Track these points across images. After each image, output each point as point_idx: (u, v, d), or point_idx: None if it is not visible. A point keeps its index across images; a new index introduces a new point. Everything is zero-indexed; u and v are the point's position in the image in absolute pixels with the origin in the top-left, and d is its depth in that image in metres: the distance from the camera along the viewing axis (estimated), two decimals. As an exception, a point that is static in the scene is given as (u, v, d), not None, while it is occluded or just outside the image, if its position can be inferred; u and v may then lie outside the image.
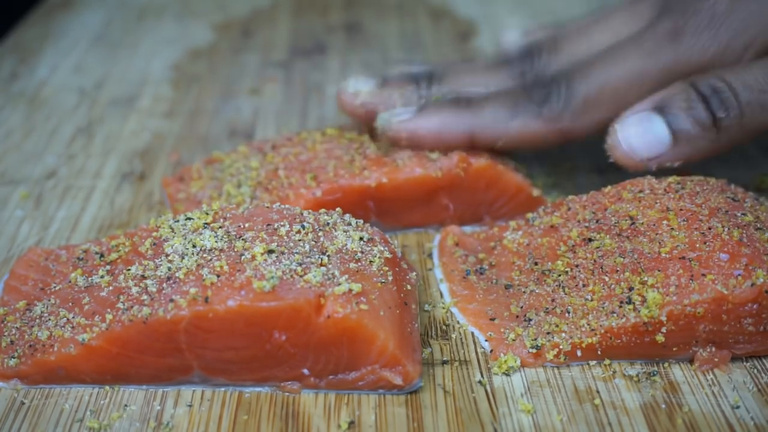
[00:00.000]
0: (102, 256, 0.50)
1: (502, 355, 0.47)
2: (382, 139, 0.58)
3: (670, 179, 0.52)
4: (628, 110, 0.53)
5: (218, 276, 0.44)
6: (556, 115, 0.55)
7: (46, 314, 0.47)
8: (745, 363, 0.47)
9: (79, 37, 0.95)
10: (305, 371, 0.45)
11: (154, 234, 0.49)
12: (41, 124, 0.75)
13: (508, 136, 0.56)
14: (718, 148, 0.52)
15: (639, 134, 0.51)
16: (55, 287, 0.49)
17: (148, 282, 0.45)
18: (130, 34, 0.96)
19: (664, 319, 0.45)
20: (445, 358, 0.48)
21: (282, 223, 0.48)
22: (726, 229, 0.47)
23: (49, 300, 0.48)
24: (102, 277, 0.47)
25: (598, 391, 0.46)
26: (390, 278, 0.47)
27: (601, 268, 0.49)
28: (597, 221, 0.51)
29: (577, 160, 0.67)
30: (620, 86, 0.54)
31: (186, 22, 0.99)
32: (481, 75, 0.62)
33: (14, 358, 0.46)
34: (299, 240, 0.47)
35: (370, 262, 0.47)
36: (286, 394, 0.45)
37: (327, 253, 0.46)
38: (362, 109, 0.59)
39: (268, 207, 0.50)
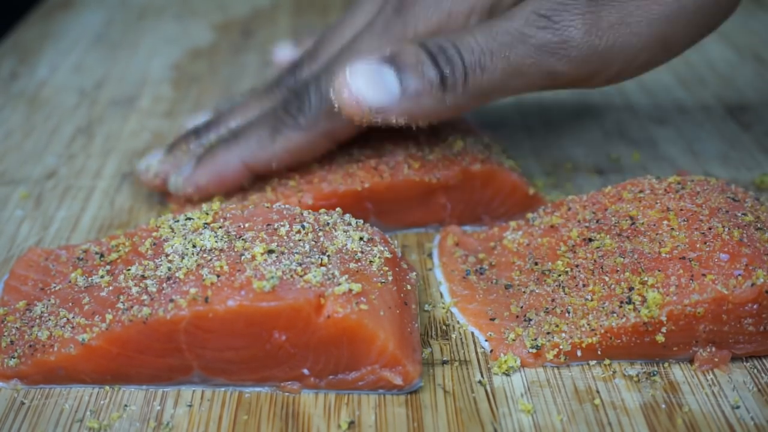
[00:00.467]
0: (102, 256, 0.50)
1: (502, 355, 0.47)
2: (180, 200, 0.59)
3: (671, 179, 0.52)
4: (356, 60, 0.51)
5: (218, 276, 0.44)
6: (313, 121, 0.55)
7: (46, 314, 0.47)
8: (745, 363, 0.47)
9: (79, 37, 0.95)
10: (305, 371, 0.45)
11: (154, 234, 0.49)
12: (41, 124, 0.75)
13: (276, 156, 0.56)
14: (443, 109, 0.51)
15: (368, 83, 0.50)
16: (55, 287, 0.49)
17: (148, 282, 0.45)
18: (130, 34, 0.96)
19: (664, 319, 0.45)
20: (445, 358, 0.48)
21: (282, 223, 0.48)
22: (726, 229, 0.47)
23: (49, 300, 0.48)
24: (102, 277, 0.47)
25: (598, 391, 0.46)
26: (390, 278, 0.47)
27: (602, 268, 0.49)
28: (597, 221, 0.51)
29: (577, 160, 0.68)
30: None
31: (186, 22, 0.99)
32: (256, 103, 0.62)
33: (14, 358, 0.46)
34: (299, 240, 0.47)
35: (370, 262, 0.47)
36: (286, 394, 0.45)
37: (327, 253, 0.46)
38: (157, 180, 0.60)
39: (268, 207, 0.50)
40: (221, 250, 0.46)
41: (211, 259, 0.45)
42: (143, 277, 0.46)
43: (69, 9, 1.03)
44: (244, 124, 0.58)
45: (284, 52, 0.65)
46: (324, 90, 0.54)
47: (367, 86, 0.49)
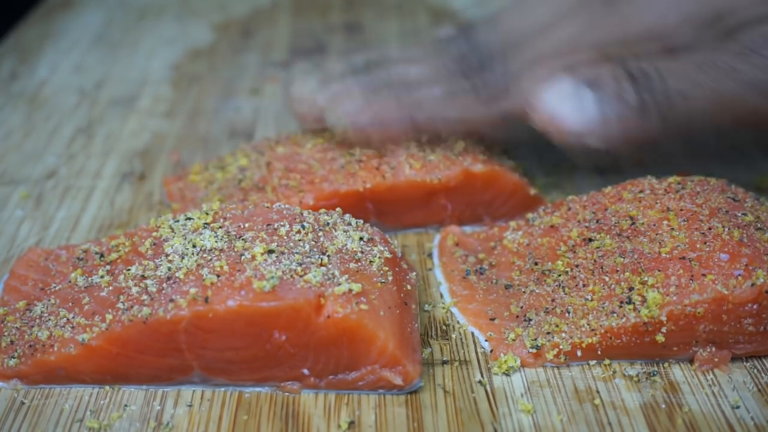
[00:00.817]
0: (102, 256, 0.50)
1: (502, 355, 0.47)
2: (343, 136, 0.56)
3: (671, 179, 0.52)
4: (552, 77, 0.49)
5: (218, 276, 0.44)
6: (494, 95, 0.52)
7: (46, 314, 0.47)
8: (745, 363, 0.47)
9: (79, 37, 0.95)
10: (305, 371, 0.45)
11: (154, 234, 0.49)
12: (41, 124, 0.75)
13: (449, 121, 0.54)
14: (644, 137, 0.49)
15: (566, 104, 0.48)
16: (55, 287, 0.49)
17: (148, 282, 0.45)
18: (130, 34, 0.96)
19: (664, 319, 0.45)
20: (445, 358, 0.48)
21: (282, 223, 0.48)
22: (726, 229, 0.47)
23: (49, 300, 0.48)
24: (102, 277, 0.47)
25: (598, 391, 0.46)
26: (390, 278, 0.47)
27: (602, 268, 0.49)
28: (597, 221, 0.51)
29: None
30: (555, 57, 0.52)
31: (186, 22, 0.99)
32: (427, 58, 0.59)
33: (14, 358, 0.46)
34: (299, 240, 0.47)
35: (370, 262, 0.47)
36: (286, 394, 0.45)
37: (327, 253, 0.46)
38: (314, 110, 0.57)
39: (268, 207, 0.50)
40: (221, 250, 0.46)
41: (211, 259, 0.45)
42: (143, 277, 0.46)
43: (69, 9, 1.03)
44: (418, 77, 0.55)
45: (450, 33, 0.60)
46: (509, 68, 0.52)
47: (564, 108, 0.48)
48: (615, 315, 0.46)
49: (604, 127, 0.48)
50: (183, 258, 0.46)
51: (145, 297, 0.44)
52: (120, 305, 0.45)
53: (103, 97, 0.81)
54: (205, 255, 0.45)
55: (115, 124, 0.75)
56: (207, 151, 0.70)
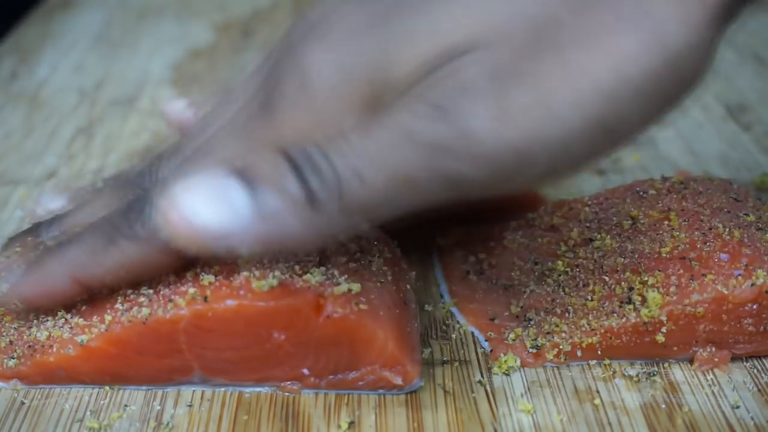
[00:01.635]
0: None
1: (502, 355, 0.47)
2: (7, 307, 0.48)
3: (674, 179, 0.52)
4: (194, 170, 0.40)
5: (216, 276, 0.44)
6: (153, 232, 0.41)
7: (44, 315, 0.47)
8: (745, 363, 0.47)
9: (79, 37, 0.95)
10: (305, 371, 0.45)
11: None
12: (41, 124, 0.75)
13: (108, 270, 0.44)
14: (314, 232, 0.39)
15: (207, 201, 0.37)
16: (54, 287, 0.49)
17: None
18: (130, 34, 0.96)
19: (664, 319, 0.45)
20: (445, 358, 0.48)
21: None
22: (727, 229, 0.47)
23: (49, 300, 0.48)
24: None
25: (598, 391, 0.46)
26: (389, 278, 0.47)
27: (602, 268, 0.49)
28: (598, 221, 0.51)
29: (577, 160, 0.67)
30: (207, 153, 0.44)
31: (186, 22, 0.99)
32: (106, 198, 0.49)
33: (13, 358, 0.46)
34: (299, 240, 0.47)
35: (370, 261, 0.47)
36: (286, 394, 0.45)
37: (326, 253, 0.46)
38: None
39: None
40: None
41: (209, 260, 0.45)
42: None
43: (69, 9, 1.03)
44: (83, 230, 0.46)
45: (176, 110, 0.53)
46: (158, 195, 0.40)
47: (205, 206, 0.37)
48: (615, 315, 0.46)
49: (260, 225, 0.38)
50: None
51: (143, 298, 0.44)
52: (119, 306, 0.44)
53: (103, 97, 0.81)
54: None
55: (115, 124, 0.75)
56: (207, 151, 0.70)
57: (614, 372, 0.47)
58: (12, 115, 0.77)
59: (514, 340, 0.48)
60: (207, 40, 0.94)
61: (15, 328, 0.47)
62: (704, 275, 0.45)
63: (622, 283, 0.47)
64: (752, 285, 0.45)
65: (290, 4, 1.03)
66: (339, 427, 0.43)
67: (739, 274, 0.45)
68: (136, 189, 0.48)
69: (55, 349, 0.45)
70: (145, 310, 0.43)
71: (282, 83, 0.42)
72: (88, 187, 0.53)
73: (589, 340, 0.46)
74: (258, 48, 0.91)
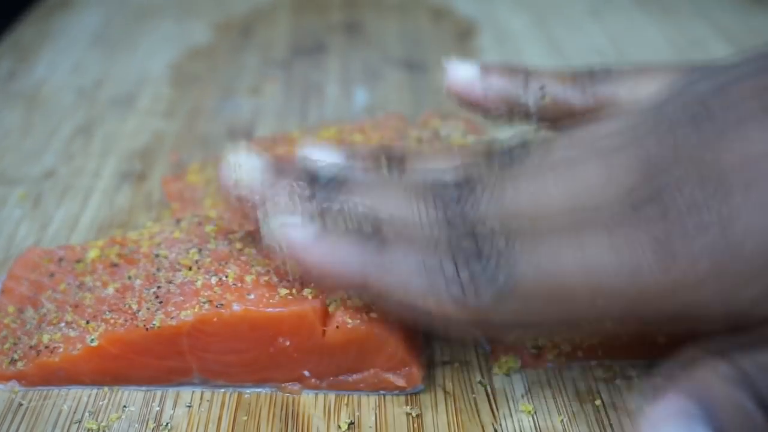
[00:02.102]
0: (101, 257, 0.50)
1: (502, 355, 0.47)
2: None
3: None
4: (653, 399, 0.34)
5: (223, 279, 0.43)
6: (476, 291, 0.37)
7: (44, 315, 0.47)
8: (746, 364, 0.47)
9: (78, 36, 0.95)
10: (306, 373, 0.44)
11: (156, 235, 0.49)
12: (40, 124, 0.75)
13: (406, 298, 0.39)
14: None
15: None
16: (54, 288, 0.49)
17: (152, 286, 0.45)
18: (129, 34, 0.96)
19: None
20: (445, 359, 0.48)
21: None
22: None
23: (48, 301, 0.48)
24: (102, 277, 0.47)
25: (599, 392, 0.45)
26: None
27: (602, 268, 0.48)
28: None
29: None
30: (572, 284, 0.36)
31: (185, 22, 0.99)
32: (399, 192, 0.41)
33: (13, 359, 0.45)
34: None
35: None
36: (287, 394, 0.45)
37: None
38: (243, 203, 0.43)
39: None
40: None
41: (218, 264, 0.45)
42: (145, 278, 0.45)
43: (68, 8, 1.02)
44: (393, 224, 0.39)
45: (464, 76, 0.47)
46: (513, 269, 0.36)
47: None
48: (616, 315, 0.46)
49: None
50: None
51: (152, 303, 0.44)
52: (121, 307, 0.44)
53: (102, 96, 0.81)
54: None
55: (114, 123, 0.75)
56: (207, 151, 0.70)
57: (615, 373, 0.47)
58: (10, 115, 0.77)
59: (514, 340, 0.48)
60: (206, 40, 0.94)
61: (15, 328, 0.47)
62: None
63: (623, 283, 0.47)
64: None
65: (290, 4, 1.03)
66: (339, 427, 0.43)
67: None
68: (451, 204, 0.39)
69: (55, 350, 0.44)
70: (159, 315, 0.43)
71: (685, 216, 0.34)
72: (362, 149, 0.47)
73: (590, 341, 0.46)
74: (258, 47, 0.91)
